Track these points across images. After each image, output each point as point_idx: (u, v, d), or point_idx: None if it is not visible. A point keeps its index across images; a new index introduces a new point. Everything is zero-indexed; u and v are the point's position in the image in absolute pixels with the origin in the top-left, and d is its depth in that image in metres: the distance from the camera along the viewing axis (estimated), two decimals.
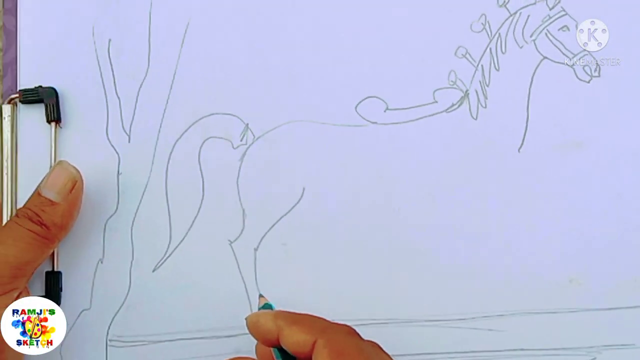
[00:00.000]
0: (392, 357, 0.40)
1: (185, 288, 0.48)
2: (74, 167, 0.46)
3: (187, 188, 0.48)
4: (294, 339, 0.38)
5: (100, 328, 0.48)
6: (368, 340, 0.40)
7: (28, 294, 0.46)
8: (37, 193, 0.45)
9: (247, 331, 0.47)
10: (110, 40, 0.49)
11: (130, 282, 0.48)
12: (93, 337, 0.48)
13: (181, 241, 0.48)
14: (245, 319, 0.41)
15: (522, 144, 0.48)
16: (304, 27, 0.49)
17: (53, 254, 0.48)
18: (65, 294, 0.48)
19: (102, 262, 0.48)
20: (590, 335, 0.47)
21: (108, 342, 0.48)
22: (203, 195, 0.48)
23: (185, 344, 0.48)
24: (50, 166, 0.48)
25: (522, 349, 0.47)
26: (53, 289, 0.47)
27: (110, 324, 0.48)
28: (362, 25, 0.49)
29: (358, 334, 0.40)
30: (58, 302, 0.47)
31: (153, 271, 0.48)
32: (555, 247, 0.48)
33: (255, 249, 0.48)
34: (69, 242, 0.48)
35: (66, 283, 0.48)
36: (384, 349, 0.40)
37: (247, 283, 0.48)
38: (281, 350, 0.40)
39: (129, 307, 0.48)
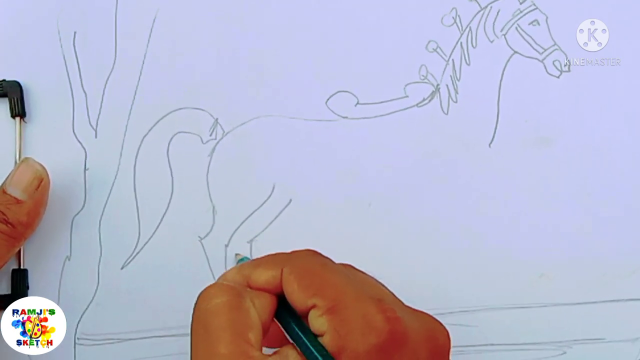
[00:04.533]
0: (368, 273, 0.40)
1: (155, 285, 0.47)
2: (40, 164, 0.45)
3: (155, 184, 0.48)
4: (262, 279, 0.38)
5: (69, 326, 0.47)
6: (340, 263, 0.40)
7: None
8: (2, 191, 0.44)
9: None
10: (75, 33, 0.48)
11: (98, 279, 0.47)
12: None
13: (150, 237, 0.48)
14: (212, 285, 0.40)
15: (492, 138, 0.48)
16: (274, 21, 0.49)
17: (19, 251, 0.47)
18: (32, 292, 0.47)
19: (69, 260, 0.47)
20: (560, 329, 0.48)
21: (76, 340, 0.47)
22: (172, 191, 0.48)
23: (155, 342, 0.47)
24: (15, 163, 0.47)
25: (492, 344, 0.48)
26: (20, 287, 0.47)
27: (79, 322, 0.47)
28: (333, 19, 0.49)
29: (320, 254, 0.40)
30: None
31: (122, 268, 0.48)
32: (526, 242, 0.48)
33: (226, 245, 0.48)
34: (36, 240, 0.47)
35: (33, 281, 0.47)
36: None
37: (217, 280, 0.47)
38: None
39: (98, 304, 0.47)
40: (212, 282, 0.47)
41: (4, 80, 0.47)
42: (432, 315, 0.38)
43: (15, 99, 0.47)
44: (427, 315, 0.38)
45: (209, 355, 0.35)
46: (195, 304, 0.37)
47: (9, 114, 0.47)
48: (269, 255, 0.40)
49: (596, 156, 0.48)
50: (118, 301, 0.47)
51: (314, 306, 0.36)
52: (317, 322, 0.36)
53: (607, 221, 0.48)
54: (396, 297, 0.39)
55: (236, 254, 0.47)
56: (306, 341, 0.35)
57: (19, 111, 0.47)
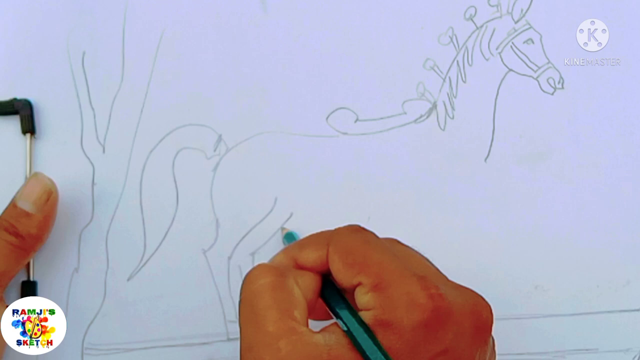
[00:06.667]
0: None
1: (160, 296, 0.49)
2: (49, 179, 0.47)
3: (161, 198, 0.49)
4: (310, 260, 0.39)
5: (76, 336, 0.48)
6: (385, 238, 0.41)
7: (3, 304, 0.46)
8: (12, 204, 0.46)
9: (220, 339, 0.48)
10: (84, 52, 0.49)
11: (105, 291, 0.49)
12: (69, 346, 0.48)
13: (155, 250, 0.49)
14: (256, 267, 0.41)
15: (488, 154, 0.49)
16: (276, 39, 0.50)
17: (29, 263, 0.48)
18: None
19: (77, 272, 0.49)
20: (554, 340, 0.49)
21: (84, 350, 0.48)
22: (177, 205, 0.49)
23: (160, 352, 0.48)
24: (26, 177, 0.48)
25: None
26: None
27: (86, 333, 0.48)
28: (333, 37, 0.50)
29: (364, 229, 0.40)
30: None
31: (128, 280, 0.49)
32: (521, 254, 0.49)
33: (229, 258, 0.49)
34: (45, 252, 0.48)
35: (42, 292, 0.48)
36: None
37: (220, 291, 0.49)
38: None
39: (104, 315, 0.48)
40: (215, 293, 0.48)
41: (15, 98, 0.49)
42: (475, 291, 0.39)
43: (26, 117, 0.48)
44: (470, 290, 0.38)
45: (257, 334, 0.36)
46: (242, 286, 0.38)
47: (20, 131, 0.48)
48: (313, 235, 0.41)
49: (588, 170, 0.49)
50: (124, 312, 0.48)
51: (359, 284, 0.37)
52: (363, 299, 0.36)
53: (600, 234, 0.49)
54: (440, 272, 0.40)
55: (282, 228, 0.47)
56: (354, 320, 0.36)
57: (29, 128, 0.48)
